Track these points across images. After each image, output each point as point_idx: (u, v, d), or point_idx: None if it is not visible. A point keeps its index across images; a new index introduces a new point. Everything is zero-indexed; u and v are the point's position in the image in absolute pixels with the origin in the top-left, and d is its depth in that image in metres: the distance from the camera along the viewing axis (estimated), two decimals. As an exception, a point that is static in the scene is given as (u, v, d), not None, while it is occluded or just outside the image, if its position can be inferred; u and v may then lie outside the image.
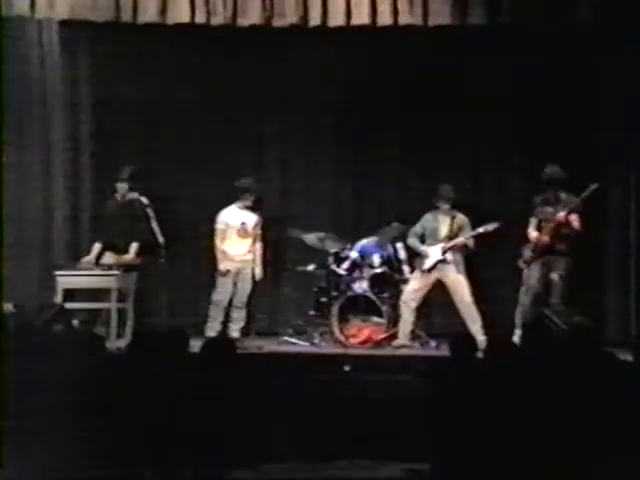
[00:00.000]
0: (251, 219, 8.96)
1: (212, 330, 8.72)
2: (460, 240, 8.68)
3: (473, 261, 8.83)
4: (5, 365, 4.58)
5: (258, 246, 8.97)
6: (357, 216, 9.53)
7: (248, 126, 9.44)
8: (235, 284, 8.89)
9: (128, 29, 8.50)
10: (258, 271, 8.95)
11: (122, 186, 8.68)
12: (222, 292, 8.86)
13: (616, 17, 8.14)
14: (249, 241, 8.93)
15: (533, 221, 8.54)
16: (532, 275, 8.43)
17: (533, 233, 8.48)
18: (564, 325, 6.55)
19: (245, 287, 8.93)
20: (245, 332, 8.94)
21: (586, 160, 8.84)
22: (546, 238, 8.36)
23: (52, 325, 6.67)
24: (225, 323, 8.89)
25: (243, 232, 8.90)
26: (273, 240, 9.16)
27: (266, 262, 9.02)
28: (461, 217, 8.82)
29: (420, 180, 9.27)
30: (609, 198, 9.01)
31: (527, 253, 8.45)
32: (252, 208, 8.95)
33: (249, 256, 8.93)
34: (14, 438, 4.40)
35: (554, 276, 8.38)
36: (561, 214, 8.30)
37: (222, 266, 8.82)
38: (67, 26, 8.91)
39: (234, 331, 8.85)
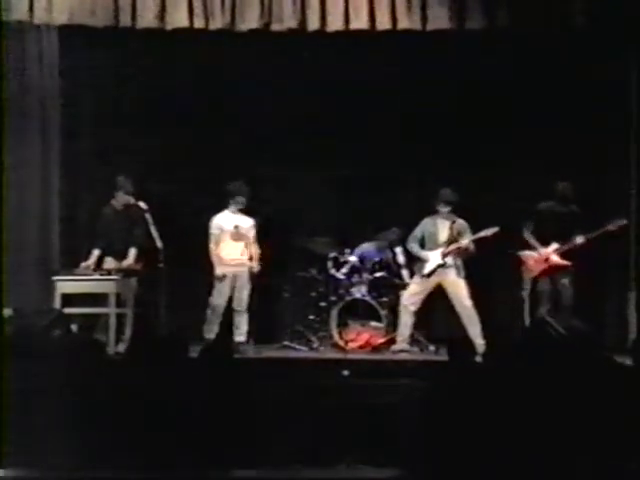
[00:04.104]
0: (244, 222, 8.94)
1: (210, 334, 8.68)
2: (459, 244, 8.68)
3: (473, 265, 8.83)
4: (4, 370, 4.58)
5: (254, 249, 8.94)
6: (356, 220, 9.53)
7: (247, 130, 9.44)
8: (233, 288, 8.87)
9: (127, 34, 8.53)
10: (255, 267, 8.88)
11: (120, 192, 8.68)
12: (219, 296, 8.81)
13: (614, 20, 8.17)
14: (243, 244, 8.91)
15: (530, 226, 8.53)
16: (544, 289, 8.47)
17: (541, 248, 8.47)
18: (563, 330, 6.54)
19: (243, 291, 8.89)
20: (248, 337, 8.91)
21: (585, 166, 8.88)
22: (557, 259, 8.38)
23: (51, 330, 6.66)
24: (224, 327, 8.84)
25: (237, 235, 8.89)
26: (273, 245, 9.15)
27: (267, 267, 9.02)
28: (461, 222, 8.79)
29: (420, 184, 9.28)
30: (609, 204, 9.02)
31: (532, 263, 8.46)
32: (245, 211, 8.93)
33: (244, 259, 8.91)
34: (14, 442, 4.40)
35: (564, 281, 8.44)
36: (580, 239, 8.32)
37: (218, 271, 8.80)
38: (66, 31, 8.93)
39: (239, 335, 8.76)
